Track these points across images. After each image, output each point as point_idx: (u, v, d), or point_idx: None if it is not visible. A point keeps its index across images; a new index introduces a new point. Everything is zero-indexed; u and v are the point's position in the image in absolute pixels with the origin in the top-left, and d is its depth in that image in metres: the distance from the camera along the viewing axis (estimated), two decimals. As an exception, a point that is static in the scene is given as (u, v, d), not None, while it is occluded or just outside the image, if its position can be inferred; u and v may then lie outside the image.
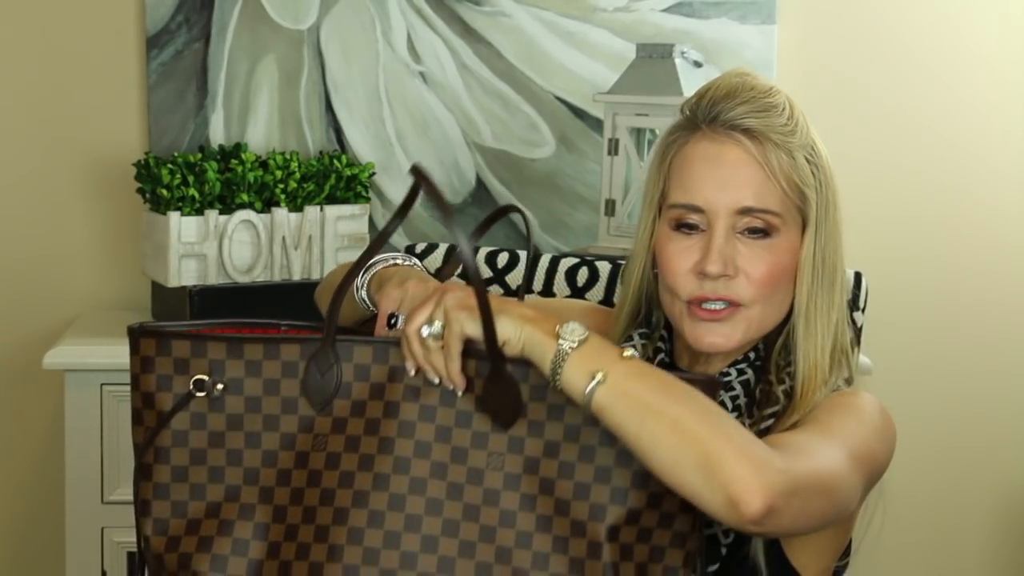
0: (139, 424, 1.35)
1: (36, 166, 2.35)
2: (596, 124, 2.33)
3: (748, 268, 1.39)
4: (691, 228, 1.41)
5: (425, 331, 1.24)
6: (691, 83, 2.10)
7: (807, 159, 1.41)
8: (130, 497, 1.38)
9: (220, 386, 1.33)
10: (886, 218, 2.41)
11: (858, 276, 1.74)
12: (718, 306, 1.40)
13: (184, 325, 1.36)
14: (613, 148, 2.14)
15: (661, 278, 1.45)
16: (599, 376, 1.19)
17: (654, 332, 1.50)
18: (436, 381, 1.26)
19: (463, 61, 2.36)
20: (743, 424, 1.37)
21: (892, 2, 2.39)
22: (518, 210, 1.42)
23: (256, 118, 2.35)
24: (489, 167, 2.37)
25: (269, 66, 2.35)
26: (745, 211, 1.39)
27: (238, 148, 2.25)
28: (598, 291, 1.83)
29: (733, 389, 1.43)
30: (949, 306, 2.45)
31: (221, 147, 2.29)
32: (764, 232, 1.40)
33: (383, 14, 2.34)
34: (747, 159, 1.39)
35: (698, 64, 2.18)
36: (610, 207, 2.15)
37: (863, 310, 1.74)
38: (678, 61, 2.12)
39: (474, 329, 1.22)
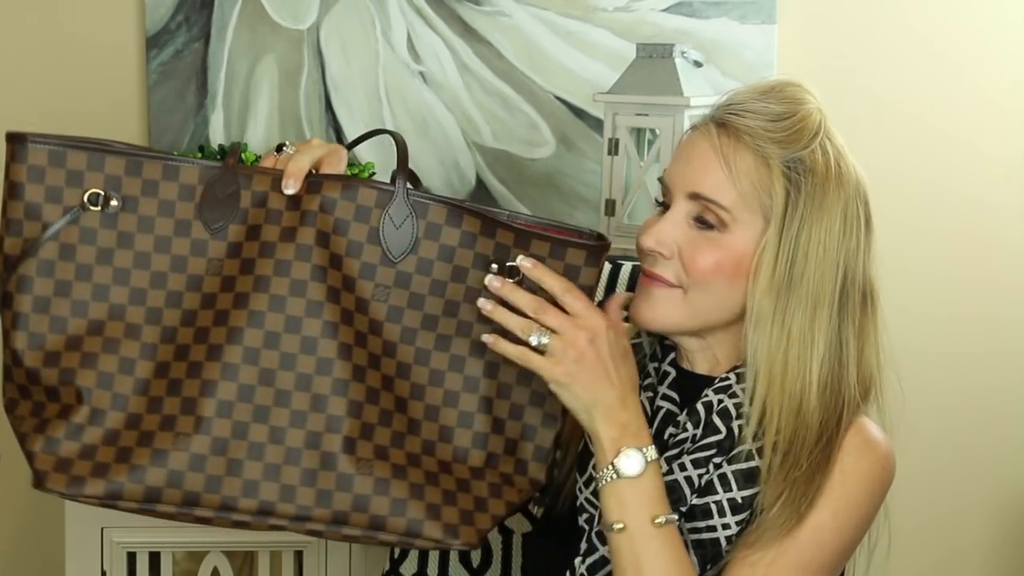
0: (16, 235, 1.31)
1: (36, 166, 2.35)
2: (596, 124, 2.33)
3: (687, 254, 1.42)
4: (666, 208, 1.45)
5: (290, 149, 1.37)
6: (691, 83, 2.10)
7: (785, 171, 1.40)
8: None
9: (115, 203, 1.31)
10: (888, 219, 2.39)
11: (858, 276, 1.74)
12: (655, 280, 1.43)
13: (74, 140, 1.33)
14: (613, 148, 2.14)
15: None
16: (620, 526, 1.35)
17: None
18: (288, 190, 1.34)
19: (463, 61, 2.36)
20: (757, 434, 1.41)
21: (893, 2, 2.39)
22: (391, 133, 1.44)
23: (256, 118, 2.35)
24: (489, 167, 2.37)
25: (269, 66, 2.35)
26: (694, 196, 1.41)
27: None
28: (598, 290, 1.83)
29: (737, 396, 1.43)
30: (952, 307, 2.45)
31: (221, 147, 2.29)
32: (712, 225, 1.41)
33: (383, 14, 2.34)
34: (710, 151, 1.41)
35: (698, 64, 2.17)
36: (610, 207, 2.15)
37: (863, 310, 1.74)
38: (678, 61, 2.12)
39: (330, 157, 1.37)
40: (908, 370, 2.43)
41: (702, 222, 1.41)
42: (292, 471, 1.31)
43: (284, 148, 1.37)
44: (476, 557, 1.68)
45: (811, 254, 1.40)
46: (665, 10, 2.35)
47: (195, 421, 1.29)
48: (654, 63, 2.13)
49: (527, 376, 1.38)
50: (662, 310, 1.43)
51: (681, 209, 1.42)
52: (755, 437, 1.41)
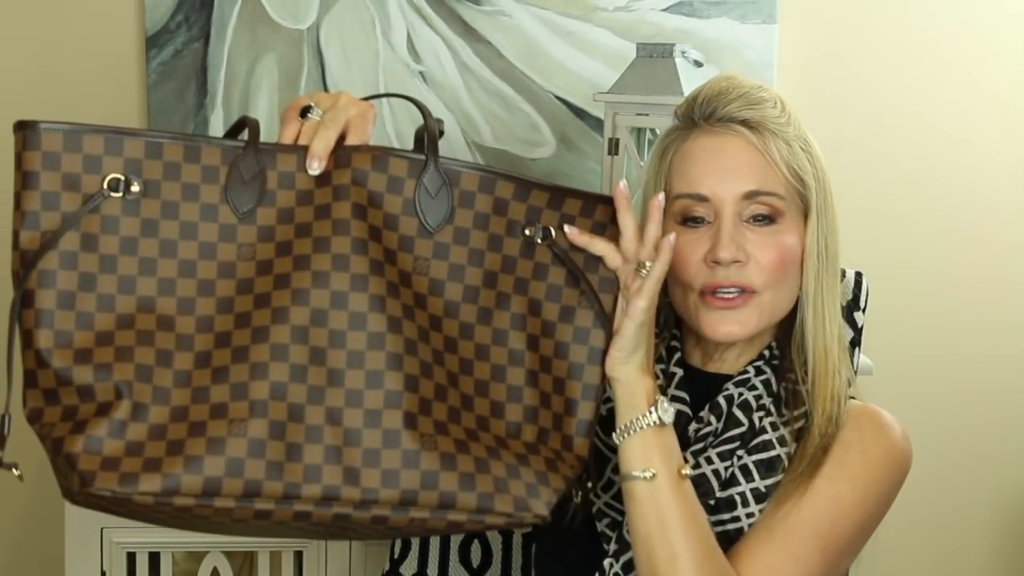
0: (33, 229, 1.23)
1: (36, 166, 2.35)
2: (596, 124, 2.33)
3: (758, 254, 1.42)
4: (697, 221, 1.44)
5: (315, 114, 1.29)
6: (691, 83, 2.10)
7: (802, 149, 1.44)
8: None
9: (137, 187, 1.24)
10: (888, 217, 2.41)
11: (859, 276, 1.74)
12: (732, 292, 1.42)
13: (86, 125, 1.25)
14: (613, 148, 2.14)
15: (670, 274, 1.46)
16: (649, 473, 1.34)
17: (663, 331, 1.51)
18: (313, 171, 1.27)
19: (463, 61, 2.36)
20: (776, 424, 1.43)
21: (894, 1, 2.39)
22: (412, 100, 1.39)
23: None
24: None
25: (269, 66, 2.35)
26: (750, 195, 1.42)
27: (238, 148, 2.25)
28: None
29: (756, 388, 1.45)
30: (951, 306, 2.45)
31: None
32: (769, 218, 1.43)
33: (383, 14, 2.34)
34: (747, 147, 1.43)
35: (698, 64, 2.17)
36: (610, 207, 2.15)
37: (864, 310, 1.74)
38: (678, 61, 2.12)
39: (357, 117, 1.29)
40: (908, 370, 2.44)
41: (759, 219, 1.43)
42: (354, 452, 1.25)
43: (309, 114, 1.30)
44: (476, 557, 1.68)
45: (833, 227, 1.46)
46: (665, 10, 2.35)
47: (248, 405, 1.23)
48: (654, 63, 2.13)
49: (563, 347, 1.35)
50: (751, 323, 1.44)
51: (733, 213, 1.42)
52: (775, 427, 1.43)
